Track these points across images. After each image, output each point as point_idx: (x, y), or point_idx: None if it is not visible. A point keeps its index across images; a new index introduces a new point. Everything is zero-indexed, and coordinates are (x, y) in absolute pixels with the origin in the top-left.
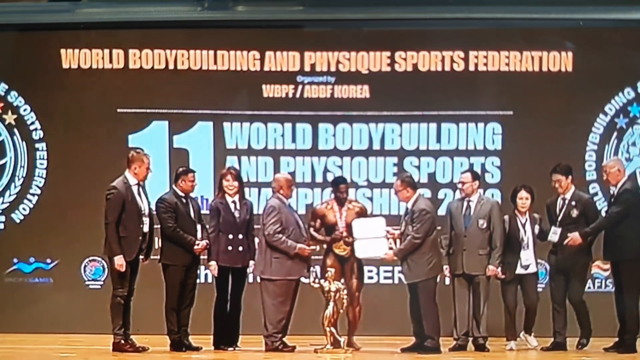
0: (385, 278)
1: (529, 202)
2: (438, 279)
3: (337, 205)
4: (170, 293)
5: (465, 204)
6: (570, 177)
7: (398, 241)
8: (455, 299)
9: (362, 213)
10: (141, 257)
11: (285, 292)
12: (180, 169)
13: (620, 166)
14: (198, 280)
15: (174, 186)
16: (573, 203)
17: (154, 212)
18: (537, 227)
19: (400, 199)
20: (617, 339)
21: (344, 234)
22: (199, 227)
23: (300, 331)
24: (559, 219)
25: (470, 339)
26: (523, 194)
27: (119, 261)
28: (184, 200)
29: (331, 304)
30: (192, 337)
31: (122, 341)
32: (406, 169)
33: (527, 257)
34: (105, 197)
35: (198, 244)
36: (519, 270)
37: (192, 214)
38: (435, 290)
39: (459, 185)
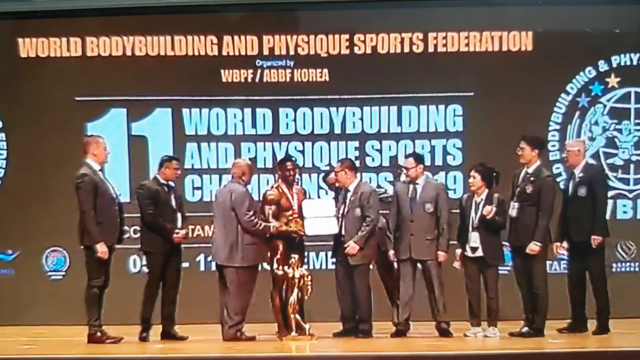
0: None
1: (476, 182)
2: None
3: (286, 187)
4: (151, 281)
5: (411, 187)
6: (536, 150)
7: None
8: (400, 284)
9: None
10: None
11: (251, 279)
12: (165, 156)
13: (582, 147)
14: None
15: (156, 174)
16: (532, 178)
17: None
18: (487, 208)
19: (342, 183)
20: (570, 321)
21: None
22: (179, 215)
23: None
24: (516, 192)
25: (434, 324)
26: (471, 172)
27: (102, 248)
28: (166, 189)
29: (295, 290)
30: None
31: (99, 333)
32: (368, 153)
33: (475, 239)
34: (76, 187)
35: (178, 233)
36: (467, 252)
37: (173, 203)
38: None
39: (403, 171)
